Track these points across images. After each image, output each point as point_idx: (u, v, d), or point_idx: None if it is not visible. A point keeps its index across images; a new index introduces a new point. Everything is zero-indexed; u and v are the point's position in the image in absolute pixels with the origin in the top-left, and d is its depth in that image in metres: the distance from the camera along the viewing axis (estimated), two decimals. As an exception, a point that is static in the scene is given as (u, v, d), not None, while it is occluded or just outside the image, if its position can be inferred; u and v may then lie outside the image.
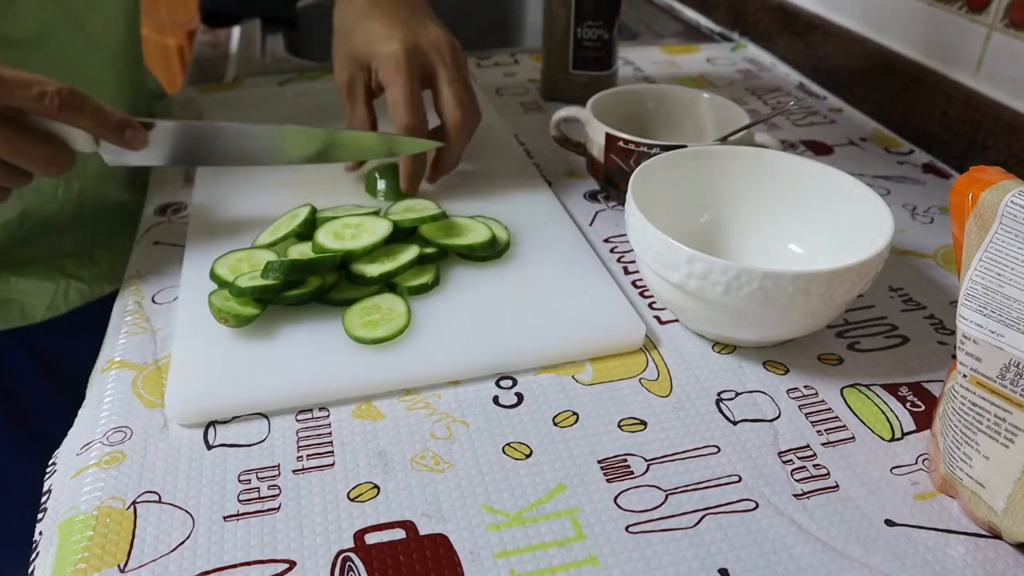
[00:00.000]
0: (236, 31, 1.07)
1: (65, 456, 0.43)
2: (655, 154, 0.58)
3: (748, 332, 0.48)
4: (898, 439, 0.44)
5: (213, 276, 0.51)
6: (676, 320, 0.52)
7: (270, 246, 0.54)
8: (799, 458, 0.43)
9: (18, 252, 0.65)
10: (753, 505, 0.40)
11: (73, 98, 0.48)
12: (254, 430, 0.44)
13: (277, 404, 0.45)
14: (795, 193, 0.54)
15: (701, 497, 0.40)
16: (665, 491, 0.41)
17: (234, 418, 0.44)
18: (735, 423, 0.45)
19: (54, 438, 0.45)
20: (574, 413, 0.45)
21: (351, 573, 0.37)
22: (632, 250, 0.54)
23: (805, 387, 0.47)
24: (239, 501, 0.40)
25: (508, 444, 0.43)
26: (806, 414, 0.46)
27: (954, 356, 0.38)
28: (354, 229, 0.54)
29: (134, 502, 0.40)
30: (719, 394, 0.47)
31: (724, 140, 0.61)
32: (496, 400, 0.46)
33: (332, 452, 0.43)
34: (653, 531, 0.39)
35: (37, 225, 0.65)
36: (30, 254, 0.66)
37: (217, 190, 0.63)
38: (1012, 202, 0.35)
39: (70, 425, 0.46)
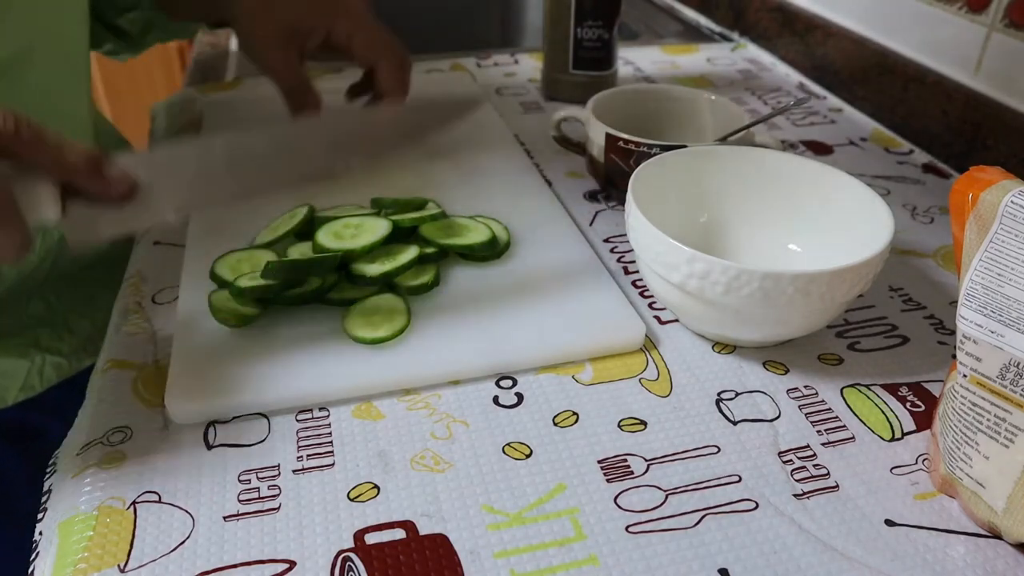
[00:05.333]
0: (236, 31, 1.07)
1: (65, 456, 0.43)
2: (655, 154, 0.58)
3: (748, 332, 0.48)
4: (898, 439, 0.44)
5: (213, 276, 0.51)
6: (676, 320, 0.52)
7: (268, 245, 0.54)
8: (799, 458, 0.43)
9: None
10: (753, 505, 0.40)
11: (30, 127, 0.36)
12: (254, 430, 0.44)
13: (277, 404, 0.45)
14: (795, 193, 0.54)
15: (701, 497, 0.40)
16: (665, 491, 0.41)
17: (234, 418, 0.44)
18: (735, 423, 0.45)
19: (33, 521, 0.41)
20: (574, 413, 0.45)
21: (351, 573, 0.36)
22: (632, 250, 0.54)
23: (805, 387, 0.47)
24: (239, 501, 0.40)
25: (508, 444, 0.43)
26: (806, 414, 0.46)
27: (954, 356, 0.38)
28: (354, 229, 0.53)
29: (134, 502, 0.40)
30: (719, 394, 0.47)
31: (724, 140, 0.61)
32: (496, 400, 0.46)
33: (332, 452, 0.43)
34: (653, 531, 0.39)
35: (11, 288, 0.58)
36: (1, 325, 0.59)
37: (217, 190, 0.63)
38: (1012, 202, 0.35)
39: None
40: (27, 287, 0.60)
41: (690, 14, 1.15)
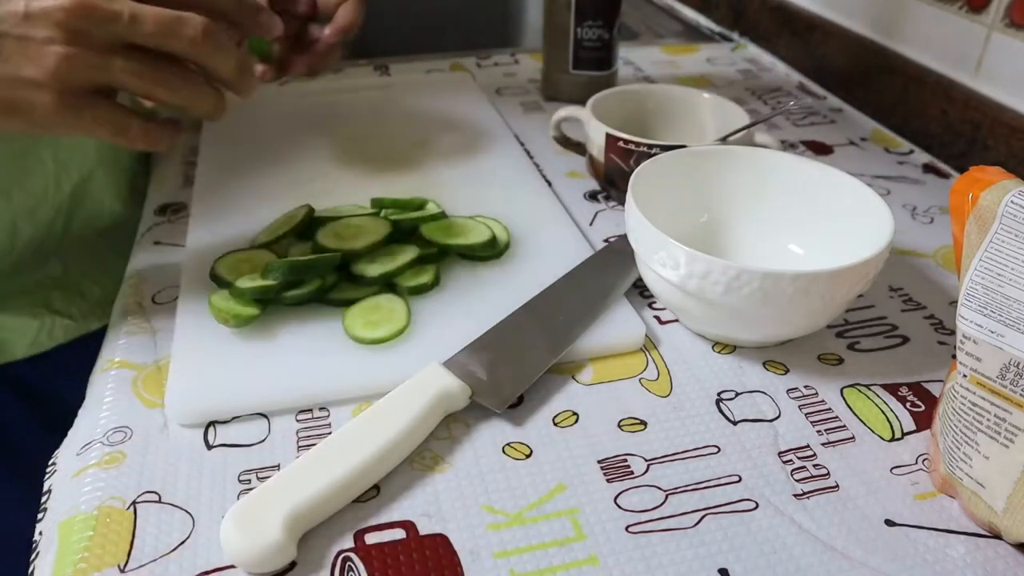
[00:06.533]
0: (236, 31, 1.07)
1: (65, 456, 0.43)
2: (655, 154, 0.58)
3: (748, 332, 0.48)
4: (898, 439, 0.44)
5: (213, 277, 0.51)
6: (676, 320, 0.52)
7: (268, 245, 0.54)
8: (799, 458, 0.43)
9: (5, 283, 0.60)
10: (753, 505, 0.40)
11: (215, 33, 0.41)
12: (254, 430, 0.44)
13: (277, 404, 0.45)
14: (795, 193, 0.54)
15: (701, 497, 0.40)
16: (665, 491, 0.41)
17: (234, 418, 0.44)
18: (735, 423, 0.45)
19: (40, 474, 0.43)
20: (574, 413, 0.45)
21: (351, 573, 0.36)
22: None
23: (805, 387, 0.47)
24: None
25: (508, 444, 0.43)
26: (806, 414, 0.46)
27: (954, 356, 0.38)
28: (354, 229, 0.54)
29: (134, 502, 0.40)
30: (719, 394, 0.47)
31: (724, 140, 0.61)
32: (496, 400, 0.46)
33: (332, 452, 0.42)
34: (653, 531, 0.39)
35: (29, 244, 0.61)
36: (17, 284, 0.62)
37: (217, 190, 0.63)
38: (1012, 202, 0.35)
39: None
40: (45, 247, 0.62)
41: (690, 14, 1.15)
